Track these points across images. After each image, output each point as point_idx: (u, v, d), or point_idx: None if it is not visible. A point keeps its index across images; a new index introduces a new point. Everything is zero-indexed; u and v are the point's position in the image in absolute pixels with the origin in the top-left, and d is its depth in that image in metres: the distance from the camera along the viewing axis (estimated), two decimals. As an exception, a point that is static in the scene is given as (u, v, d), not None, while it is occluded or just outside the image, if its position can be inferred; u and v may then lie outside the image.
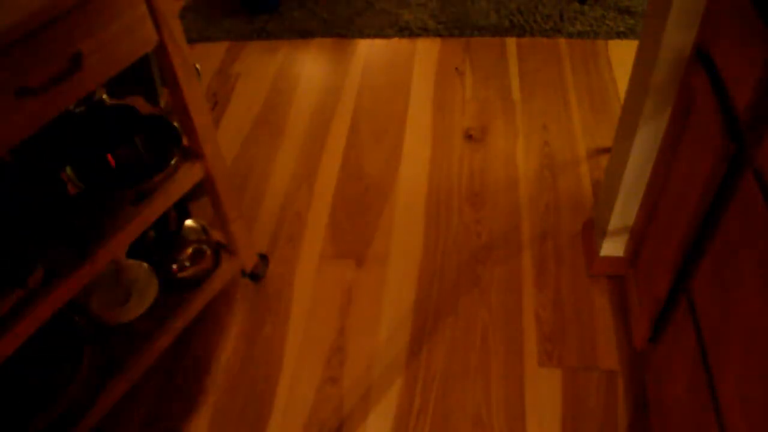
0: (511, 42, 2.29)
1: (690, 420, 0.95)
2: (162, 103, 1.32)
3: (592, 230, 1.56)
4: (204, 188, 1.34)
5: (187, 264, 1.42)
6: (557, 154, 1.87)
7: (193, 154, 1.25)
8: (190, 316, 1.42)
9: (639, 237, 1.28)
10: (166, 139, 1.26)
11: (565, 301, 1.51)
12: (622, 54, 2.19)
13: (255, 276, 1.58)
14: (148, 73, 1.22)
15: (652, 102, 1.15)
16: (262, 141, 1.99)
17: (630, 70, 1.26)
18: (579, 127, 1.94)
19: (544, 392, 1.35)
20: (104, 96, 1.31)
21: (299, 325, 1.51)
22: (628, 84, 1.28)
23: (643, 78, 1.17)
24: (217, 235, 1.50)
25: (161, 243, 1.41)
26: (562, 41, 2.28)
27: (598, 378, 1.37)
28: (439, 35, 2.34)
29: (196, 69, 1.15)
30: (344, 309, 1.54)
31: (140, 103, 1.31)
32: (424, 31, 2.36)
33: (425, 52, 2.27)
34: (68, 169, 1.16)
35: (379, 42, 2.35)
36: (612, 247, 1.47)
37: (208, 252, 1.46)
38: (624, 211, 1.37)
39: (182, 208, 1.45)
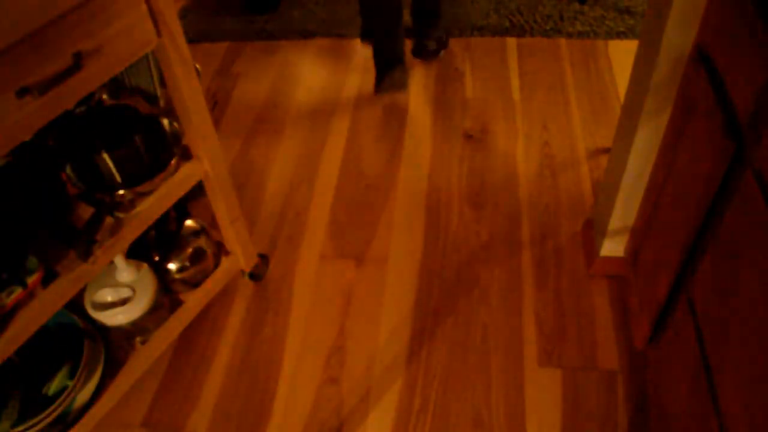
0: (511, 42, 2.29)
1: (690, 420, 0.95)
2: (162, 103, 1.32)
3: (592, 230, 1.56)
4: (204, 188, 1.34)
5: (187, 264, 1.42)
6: (557, 154, 1.87)
7: (193, 154, 1.25)
8: (190, 316, 1.42)
9: (639, 237, 1.28)
10: (166, 139, 1.26)
11: (565, 301, 1.51)
12: (622, 54, 2.19)
13: (255, 276, 1.58)
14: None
15: (652, 102, 1.15)
16: (262, 141, 1.99)
17: (630, 70, 1.26)
18: (579, 127, 1.94)
19: (544, 392, 1.35)
20: (104, 96, 1.31)
21: (299, 325, 1.51)
22: (628, 84, 1.28)
23: (643, 78, 1.17)
24: (217, 235, 1.50)
25: (161, 243, 1.41)
26: (562, 41, 2.28)
27: (598, 378, 1.37)
28: (439, 35, 2.34)
29: (196, 69, 1.15)
30: (344, 309, 1.54)
31: (140, 103, 1.31)
32: (424, 31, 2.35)
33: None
34: (68, 169, 1.16)
35: (379, 42, 2.35)
36: (612, 247, 1.47)
37: (208, 252, 1.46)
38: (624, 211, 1.37)
39: (182, 208, 1.45)
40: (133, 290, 1.28)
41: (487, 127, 1.97)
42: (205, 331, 1.52)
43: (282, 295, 1.58)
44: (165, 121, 1.28)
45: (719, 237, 0.87)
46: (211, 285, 1.45)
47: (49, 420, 1.14)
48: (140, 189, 1.17)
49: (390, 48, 2.02)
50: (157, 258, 1.39)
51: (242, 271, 1.56)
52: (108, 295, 1.27)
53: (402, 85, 2.06)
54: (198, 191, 1.41)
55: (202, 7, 2.58)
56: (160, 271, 1.38)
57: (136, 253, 1.37)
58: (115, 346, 1.32)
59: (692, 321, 0.95)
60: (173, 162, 1.21)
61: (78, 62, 0.90)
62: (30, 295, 1.03)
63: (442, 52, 2.22)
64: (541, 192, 1.77)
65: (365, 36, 2.30)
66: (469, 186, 1.80)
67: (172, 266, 1.41)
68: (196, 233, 1.46)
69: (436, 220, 1.72)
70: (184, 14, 2.53)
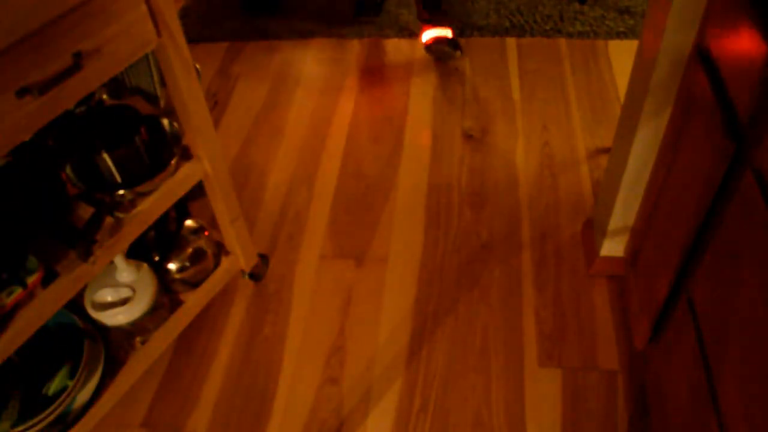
0: (511, 42, 2.29)
1: (690, 420, 0.95)
2: (162, 103, 1.33)
3: (592, 230, 1.56)
4: (204, 188, 1.34)
5: (187, 264, 1.42)
6: (557, 154, 1.87)
7: (193, 154, 1.25)
8: (190, 316, 1.42)
9: (639, 237, 1.28)
10: (166, 139, 1.26)
11: (565, 301, 1.51)
12: (622, 54, 2.19)
13: (255, 276, 1.58)
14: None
15: (652, 102, 1.15)
16: (262, 141, 1.99)
17: (630, 70, 1.26)
18: (579, 127, 1.94)
19: (544, 392, 1.35)
20: (104, 96, 1.31)
21: (299, 325, 1.51)
22: (628, 84, 1.28)
23: (643, 78, 1.17)
24: (217, 235, 1.50)
25: (161, 243, 1.41)
26: (562, 41, 2.28)
27: (598, 378, 1.37)
28: (439, 35, 2.34)
29: (196, 69, 1.15)
30: (344, 309, 1.54)
31: (140, 103, 1.31)
32: (424, 31, 2.35)
33: (425, 52, 2.27)
34: (68, 169, 1.16)
35: (379, 42, 2.35)
36: (612, 247, 1.47)
37: (208, 252, 1.46)
38: (624, 211, 1.37)
39: (182, 208, 1.45)
40: (133, 290, 1.28)
41: (487, 127, 1.97)
42: (205, 331, 1.52)
43: (282, 295, 1.58)
44: (165, 121, 1.28)
45: (719, 237, 0.87)
46: (211, 285, 1.45)
47: (49, 420, 1.14)
48: (140, 189, 1.17)
49: None
50: (157, 258, 1.39)
51: (242, 271, 1.56)
52: (108, 295, 1.27)
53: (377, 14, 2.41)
54: (198, 191, 1.41)
55: (202, 7, 2.58)
56: (160, 271, 1.38)
57: (136, 253, 1.37)
58: (115, 346, 1.32)
59: (692, 321, 0.95)
60: (173, 162, 1.21)
61: (78, 62, 0.90)
62: (30, 295, 1.03)
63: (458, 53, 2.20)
64: (541, 192, 1.77)
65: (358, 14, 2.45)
66: (469, 186, 1.80)
67: (172, 266, 1.41)
68: (196, 233, 1.46)
69: (436, 220, 1.72)
70: (184, 14, 2.53)
